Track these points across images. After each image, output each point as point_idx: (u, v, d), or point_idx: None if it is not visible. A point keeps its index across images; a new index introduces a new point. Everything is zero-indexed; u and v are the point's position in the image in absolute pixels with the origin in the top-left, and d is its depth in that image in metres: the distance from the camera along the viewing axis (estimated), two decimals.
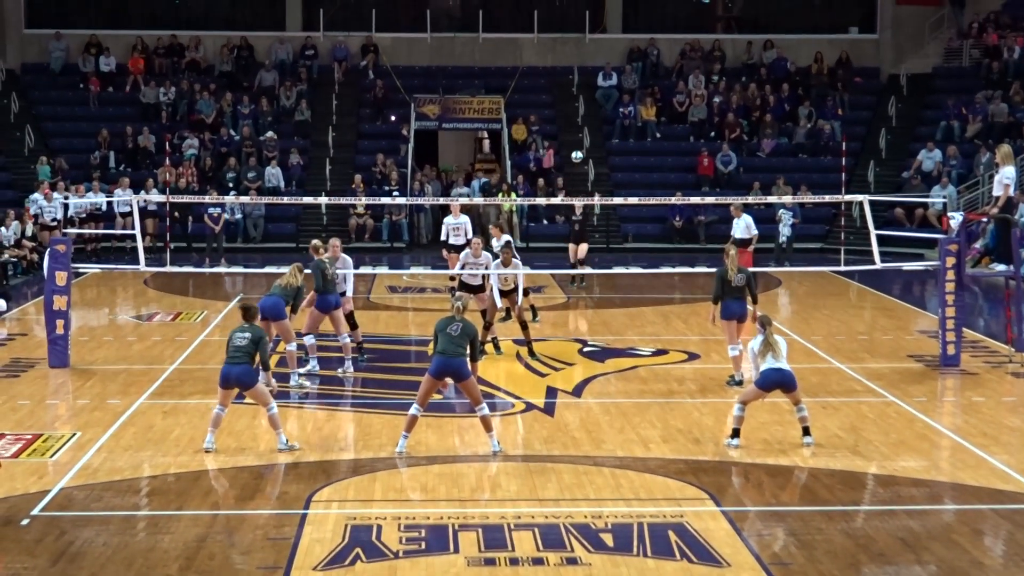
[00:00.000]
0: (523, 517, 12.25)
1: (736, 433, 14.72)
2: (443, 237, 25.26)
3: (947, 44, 40.81)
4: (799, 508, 12.66)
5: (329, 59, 40.60)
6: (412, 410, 14.43)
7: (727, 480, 13.71)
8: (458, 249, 24.43)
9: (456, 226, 24.87)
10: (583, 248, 27.12)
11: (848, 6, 42.64)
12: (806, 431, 14.83)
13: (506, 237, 21.18)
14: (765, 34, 41.41)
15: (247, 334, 14.43)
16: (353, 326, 19.37)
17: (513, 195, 34.02)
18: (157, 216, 33.01)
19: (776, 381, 14.54)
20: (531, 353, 19.85)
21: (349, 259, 19.43)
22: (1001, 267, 19.95)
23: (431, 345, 14.60)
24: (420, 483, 13.46)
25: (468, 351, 14.28)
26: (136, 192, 32.45)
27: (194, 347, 20.85)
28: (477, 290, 19.93)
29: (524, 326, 19.89)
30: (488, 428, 14.46)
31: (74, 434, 15.25)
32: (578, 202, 27.14)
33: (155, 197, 31.10)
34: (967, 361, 19.49)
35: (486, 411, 14.45)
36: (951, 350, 19.18)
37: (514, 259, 19.86)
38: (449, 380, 14.63)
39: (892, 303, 26.25)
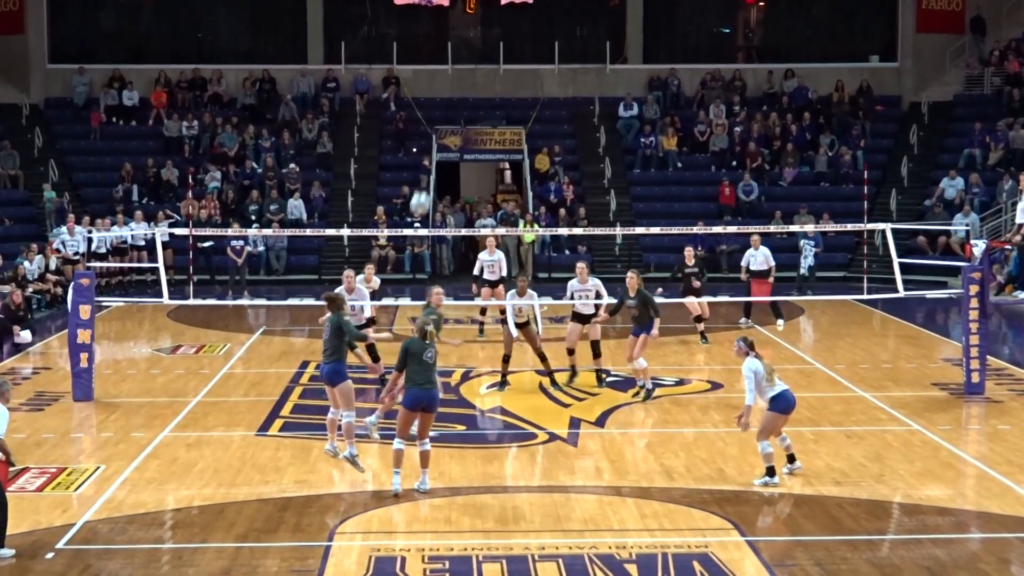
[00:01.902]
0: (547, 548, 12.23)
1: (772, 471, 14.35)
2: (476, 271, 25.15)
3: (968, 72, 40.74)
4: (824, 538, 12.60)
5: (351, 91, 40.73)
6: (396, 444, 14.11)
7: (752, 510, 13.64)
8: (491, 285, 24.43)
9: (491, 263, 24.78)
10: (705, 303, 24.49)
11: (869, 34, 42.63)
12: (791, 458, 14.74)
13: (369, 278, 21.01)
14: (786, 63, 41.37)
15: (328, 325, 14.85)
16: (375, 358, 19.37)
17: (535, 226, 34.04)
18: (173, 248, 32.85)
19: (794, 403, 14.46)
20: (553, 383, 19.82)
21: (367, 291, 19.46)
22: None
23: (399, 360, 14.10)
24: (444, 514, 13.45)
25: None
26: (148, 225, 32.47)
27: (217, 379, 20.91)
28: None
29: (543, 358, 19.86)
30: (425, 464, 14.19)
31: (98, 467, 15.30)
32: (688, 253, 25.01)
33: (168, 229, 31.04)
34: (991, 389, 19.41)
35: (428, 446, 14.24)
36: (975, 378, 19.11)
37: (529, 290, 19.83)
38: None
39: (916, 331, 26.17)
